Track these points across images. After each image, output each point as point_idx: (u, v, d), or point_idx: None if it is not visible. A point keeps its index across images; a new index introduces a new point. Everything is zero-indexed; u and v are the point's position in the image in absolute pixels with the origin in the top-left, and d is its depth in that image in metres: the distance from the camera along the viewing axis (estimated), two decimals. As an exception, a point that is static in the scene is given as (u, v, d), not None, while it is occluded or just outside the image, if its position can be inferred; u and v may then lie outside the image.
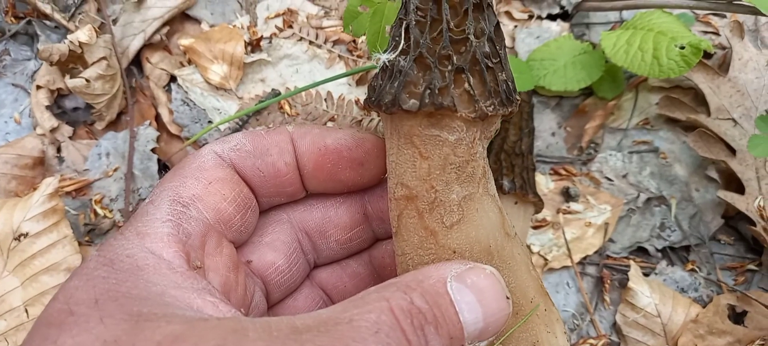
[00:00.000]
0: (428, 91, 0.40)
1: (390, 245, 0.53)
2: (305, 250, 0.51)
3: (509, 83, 0.43)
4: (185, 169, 0.44)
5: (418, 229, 0.43)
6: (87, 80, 0.89)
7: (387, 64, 0.42)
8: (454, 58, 0.41)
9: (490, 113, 0.41)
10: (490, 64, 0.41)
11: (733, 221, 0.87)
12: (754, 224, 0.82)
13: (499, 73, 0.42)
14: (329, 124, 0.91)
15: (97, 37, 0.90)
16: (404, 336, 0.34)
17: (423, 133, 0.41)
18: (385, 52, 0.43)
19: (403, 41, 0.42)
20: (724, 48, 0.99)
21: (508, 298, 0.40)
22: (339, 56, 0.97)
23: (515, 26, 1.03)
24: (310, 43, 0.98)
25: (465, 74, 0.40)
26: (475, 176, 0.43)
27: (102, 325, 0.33)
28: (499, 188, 0.78)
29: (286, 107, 0.92)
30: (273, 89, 0.93)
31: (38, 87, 0.93)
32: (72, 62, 0.94)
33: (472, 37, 0.41)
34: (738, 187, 0.86)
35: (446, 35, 0.40)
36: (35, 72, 0.97)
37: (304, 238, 0.51)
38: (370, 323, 0.34)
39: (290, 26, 0.99)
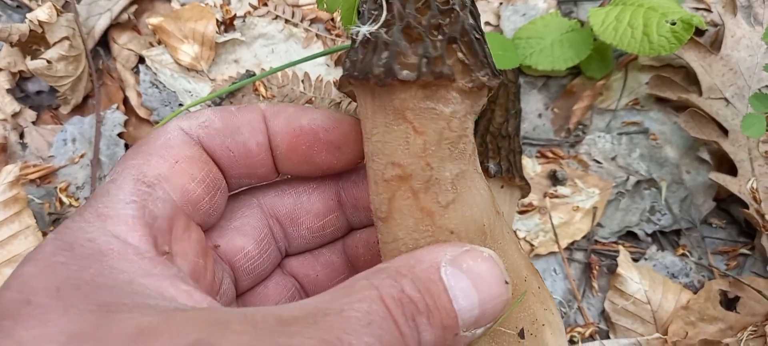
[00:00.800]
0: (425, 60, 0.37)
1: (365, 233, 0.50)
2: (276, 237, 0.48)
3: (490, 57, 0.41)
4: (150, 146, 0.40)
5: (413, 210, 0.40)
6: (48, 62, 0.84)
7: (368, 36, 0.39)
8: (444, 28, 0.38)
9: (485, 83, 0.39)
10: (477, 36, 0.39)
11: (725, 203, 0.84)
12: (746, 206, 0.79)
13: (485, 45, 0.40)
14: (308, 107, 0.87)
15: (59, 15, 0.85)
16: (396, 328, 0.32)
17: (417, 106, 0.39)
18: (363, 25, 0.40)
19: (385, 12, 0.39)
20: (716, 25, 0.95)
21: (507, 282, 0.37)
22: (316, 35, 0.92)
23: (501, 3, 0.99)
24: (286, 21, 0.93)
25: (457, 44, 0.38)
26: (467, 153, 0.41)
27: (65, 316, 0.30)
28: (485, 171, 0.74)
29: (262, 89, 0.88)
30: (247, 70, 0.89)
31: (-2, 69, 0.88)
32: (34, 43, 0.89)
33: (457, 8, 0.39)
34: (730, 168, 0.83)
35: (434, 5, 0.38)
36: (-5, 54, 0.92)
37: (275, 224, 0.47)
38: (362, 314, 0.32)
39: (265, 4, 0.95)
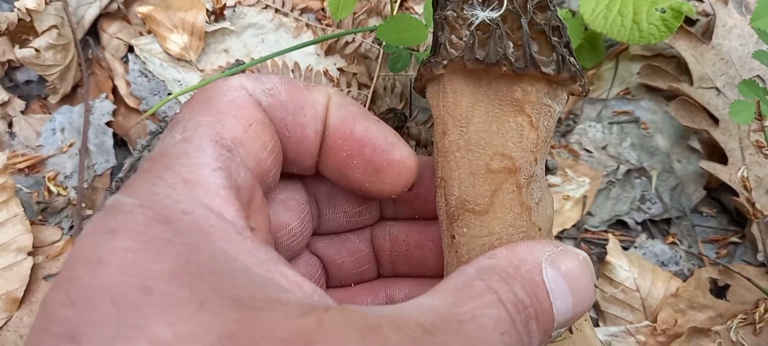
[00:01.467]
0: (560, 58, 0.38)
1: (395, 228, 0.48)
2: (312, 215, 0.45)
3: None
4: (217, 103, 0.35)
5: (514, 205, 0.40)
6: (37, 50, 0.83)
7: (488, 22, 0.39)
8: (560, 30, 0.39)
9: (585, 89, 0.41)
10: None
11: (716, 192, 0.84)
12: (737, 195, 0.79)
13: None
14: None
15: (47, 4, 0.85)
16: (519, 335, 0.33)
17: (539, 101, 0.39)
18: (478, 9, 0.40)
19: (506, 2, 0.39)
20: (707, 15, 0.95)
21: (595, 285, 0.38)
22: (307, 25, 0.92)
23: (492, -6, 0.98)
24: (277, 11, 0.93)
25: (569, 48, 0.40)
26: (540, 149, 0.41)
27: (204, 313, 0.25)
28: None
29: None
30: (237, 60, 0.89)
31: (-13, 58, 0.87)
32: (24, 32, 0.89)
33: (551, 7, 0.40)
34: (721, 158, 0.83)
35: (552, 6, 0.39)
36: (-16, 43, 0.91)
37: (313, 202, 0.45)
38: (494, 322, 0.32)
39: (256, -6, 0.94)
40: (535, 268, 0.35)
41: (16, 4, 0.83)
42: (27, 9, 0.82)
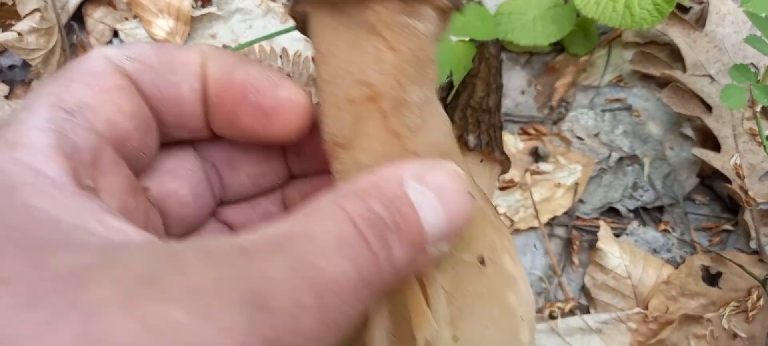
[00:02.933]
0: None
1: (305, 185, 0.46)
2: (212, 183, 0.43)
3: None
4: (71, 73, 0.35)
5: (380, 132, 0.38)
6: (19, 34, 0.82)
7: None
8: None
9: (461, 5, 0.37)
10: None
11: (709, 180, 0.83)
12: (730, 182, 0.78)
13: None
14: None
15: (29, -14, 0.84)
16: (368, 248, 0.30)
17: (394, 21, 0.36)
18: None
19: None
20: (701, 2, 0.94)
21: (470, 194, 0.35)
22: (296, 11, 0.91)
23: (483, -20, 0.97)
24: (265, -4, 0.91)
25: None
26: (432, 79, 0.39)
27: None
28: (464, 144, 0.73)
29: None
30: (224, 45, 0.87)
31: (-31, 43, 0.86)
32: (7, 17, 0.87)
33: None
34: (714, 145, 0.82)
35: None
36: (-34, 27, 0.90)
37: (211, 169, 0.43)
38: (333, 237, 0.29)
39: (244, -21, 0.93)
40: (396, 183, 0.33)
41: (-3, -14, 0.82)
42: (6, -5, 0.81)
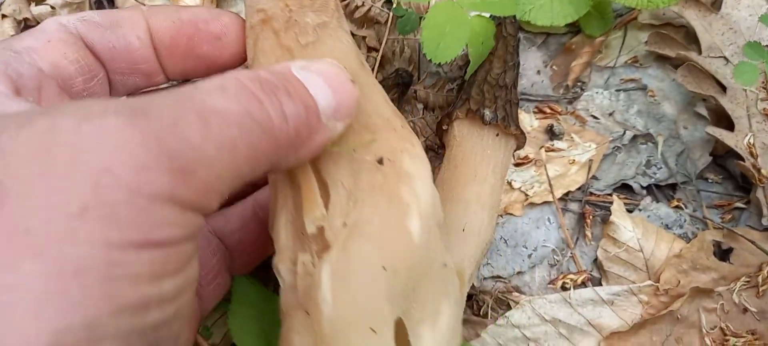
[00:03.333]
0: None
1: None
2: None
3: None
4: (26, 32, 0.42)
5: (274, 49, 0.44)
6: (52, 7, 0.85)
7: None
8: None
9: None
10: None
11: (722, 159, 0.84)
12: (743, 161, 0.79)
13: None
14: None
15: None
16: (253, 95, 0.34)
17: None
18: None
19: None
20: (717, -15, 0.95)
21: (352, 81, 0.41)
22: (317, -10, 0.93)
23: (502, -38, 0.99)
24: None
25: None
26: (329, 7, 0.46)
27: None
28: (481, 118, 0.74)
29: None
30: (248, 22, 0.90)
31: (3, 16, 0.89)
32: (39, -8, 0.90)
33: None
34: (728, 124, 0.83)
35: None
36: (1, 2, 0.93)
37: None
38: (216, 84, 0.34)
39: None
40: (284, 67, 0.39)
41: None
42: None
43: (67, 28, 0.43)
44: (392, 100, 0.74)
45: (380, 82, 0.75)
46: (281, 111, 0.35)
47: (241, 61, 0.49)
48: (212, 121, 0.31)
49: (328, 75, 0.40)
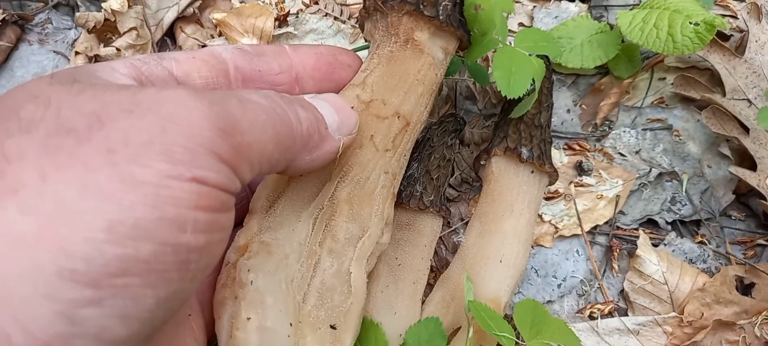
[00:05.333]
0: None
1: None
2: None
3: None
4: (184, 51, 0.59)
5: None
6: (118, 49, 0.93)
7: None
8: None
9: None
10: None
11: (745, 197, 0.89)
12: (765, 199, 0.83)
13: None
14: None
15: (129, 7, 0.95)
16: (277, 100, 0.46)
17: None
18: None
19: None
20: (741, 31, 1.00)
21: (353, 108, 0.56)
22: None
23: (534, 6, 1.05)
24: (335, 18, 1.01)
25: None
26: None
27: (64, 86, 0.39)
28: (518, 155, 0.80)
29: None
30: (298, 61, 0.97)
31: (77, 53, 0.98)
32: (108, 31, 0.99)
33: None
34: (750, 165, 0.88)
35: None
36: (75, 40, 1.02)
37: None
38: (251, 89, 0.48)
39: (316, 2, 1.03)
40: (298, 96, 0.51)
41: (103, 5, 0.94)
42: (112, 10, 0.93)
43: (220, 54, 0.54)
44: (450, 145, 0.81)
45: (437, 125, 0.82)
46: (297, 115, 0.47)
47: None
48: (248, 106, 0.42)
49: (334, 102, 0.54)
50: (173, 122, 0.37)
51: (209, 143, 0.38)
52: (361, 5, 0.68)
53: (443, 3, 0.64)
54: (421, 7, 0.63)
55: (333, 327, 0.54)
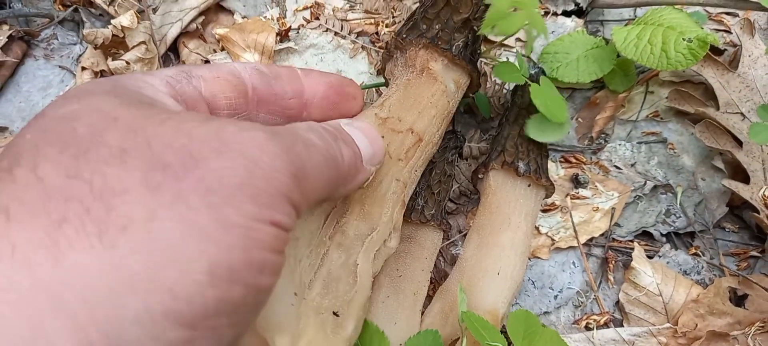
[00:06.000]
0: None
1: None
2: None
3: None
4: (207, 64, 0.60)
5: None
6: (127, 63, 0.95)
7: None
8: None
9: None
10: None
11: (738, 210, 0.90)
12: (758, 212, 0.85)
13: None
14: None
15: (138, 23, 0.97)
16: (327, 139, 0.48)
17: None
18: None
19: None
20: (734, 45, 1.02)
21: (382, 137, 0.60)
22: (362, 47, 1.02)
23: (531, 21, 1.07)
24: (335, 34, 1.03)
25: None
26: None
27: (112, 98, 0.40)
28: (515, 169, 0.81)
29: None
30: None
31: (83, 69, 1.00)
32: (114, 46, 1.01)
33: None
34: (744, 177, 0.89)
35: None
36: (80, 55, 1.04)
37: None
38: (306, 126, 0.48)
39: (317, 18, 1.05)
40: (336, 123, 0.55)
41: (112, 21, 0.96)
42: (121, 26, 0.95)
43: (240, 74, 0.55)
44: (450, 161, 0.83)
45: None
46: (341, 152, 0.49)
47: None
48: (311, 150, 0.45)
49: (367, 131, 0.57)
50: (259, 166, 0.38)
51: (286, 189, 0.40)
52: (383, 49, 0.79)
53: (456, 42, 0.74)
54: (437, 41, 0.73)
55: (336, 314, 0.56)
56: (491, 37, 0.92)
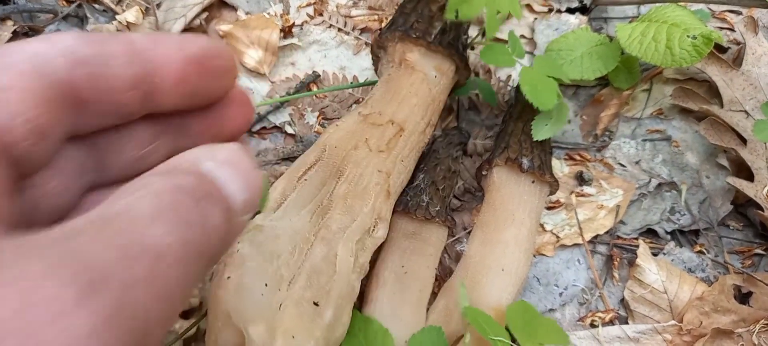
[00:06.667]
0: None
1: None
2: (86, 168, 0.41)
3: None
4: None
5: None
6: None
7: None
8: None
9: None
10: None
11: (743, 207, 0.90)
12: (762, 209, 0.85)
13: None
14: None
15: (143, 18, 0.97)
16: (187, 216, 0.31)
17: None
18: None
19: None
20: (738, 43, 1.02)
21: (257, 168, 0.38)
22: (365, 43, 1.02)
23: (535, 18, 1.07)
24: (339, 30, 1.03)
25: None
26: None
27: None
28: (519, 166, 0.81)
29: (314, 88, 0.98)
30: (313, 70, 0.99)
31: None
32: (118, 43, 1.01)
33: None
34: (748, 175, 0.89)
35: None
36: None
37: (89, 153, 0.40)
38: (151, 208, 0.29)
39: (320, 14, 1.05)
40: (192, 164, 0.34)
41: (117, 17, 0.96)
42: (127, 22, 0.95)
43: (48, 67, 0.34)
44: (455, 158, 0.84)
45: (442, 137, 0.85)
46: (209, 226, 0.32)
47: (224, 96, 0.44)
48: (158, 272, 0.28)
49: (237, 163, 0.36)
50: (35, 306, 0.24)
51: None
52: (371, 52, 0.81)
53: (432, 29, 0.75)
54: (410, 31, 0.74)
55: (316, 304, 0.57)
56: (498, 36, 0.92)
